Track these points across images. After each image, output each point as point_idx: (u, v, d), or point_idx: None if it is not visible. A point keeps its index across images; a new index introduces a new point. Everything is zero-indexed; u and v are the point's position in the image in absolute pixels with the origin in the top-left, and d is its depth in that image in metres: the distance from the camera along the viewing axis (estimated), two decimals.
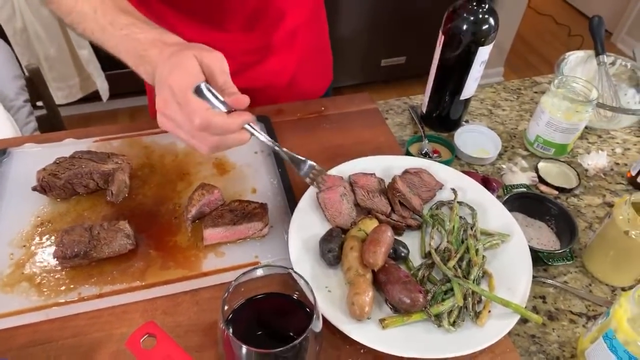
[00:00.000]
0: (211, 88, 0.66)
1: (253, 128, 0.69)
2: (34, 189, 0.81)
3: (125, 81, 2.73)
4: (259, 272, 0.62)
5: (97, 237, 0.74)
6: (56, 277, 0.73)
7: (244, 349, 0.56)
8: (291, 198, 0.86)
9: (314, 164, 0.78)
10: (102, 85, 2.66)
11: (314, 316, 0.58)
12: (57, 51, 2.50)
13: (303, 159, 0.77)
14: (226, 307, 0.63)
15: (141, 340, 0.61)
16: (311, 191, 0.85)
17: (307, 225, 0.80)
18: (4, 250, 0.76)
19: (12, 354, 0.66)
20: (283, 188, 0.88)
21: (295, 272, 0.63)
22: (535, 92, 1.29)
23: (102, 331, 0.70)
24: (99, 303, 0.71)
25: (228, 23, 1.01)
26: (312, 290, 0.61)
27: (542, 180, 1.03)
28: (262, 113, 1.04)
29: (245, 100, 0.67)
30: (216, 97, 0.66)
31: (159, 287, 0.73)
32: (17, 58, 1.67)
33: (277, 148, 0.74)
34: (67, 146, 0.92)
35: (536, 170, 1.05)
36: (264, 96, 1.15)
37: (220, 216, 0.78)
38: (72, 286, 0.72)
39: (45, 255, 0.75)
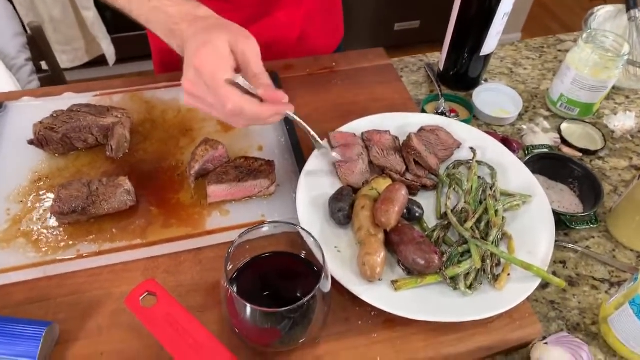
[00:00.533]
0: (244, 80, 0.62)
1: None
2: (30, 142, 0.77)
3: (133, 45, 2.68)
4: (265, 229, 0.58)
5: (96, 192, 0.70)
6: (54, 233, 0.70)
7: (249, 308, 0.53)
8: (299, 156, 0.82)
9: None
10: (108, 49, 2.60)
11: (322, 275, 0.55)
12: (62, 12, 2.43)
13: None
14: (230, 266, 0.60)
15: (141, 298, 0.58)
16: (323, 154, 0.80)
17: (316, 183, 0.76)
18: (0, 205, 0.73)
19: (9, 311, 0.64)
20: (291, 146, 0.84)
21: (304, 230, 0.59)
22: (559, 51, 1.22)
23: (102, 289, 0.67)
24: (98, 260, 0.68)
25: None
26: (320, 248, 0.57)
27: (565, 141, 0.97)
28: (270, 68, 0.98)
29: (280, 96, 0.62)
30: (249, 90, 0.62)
31: (160, 246, 0.70)
32: (19, 16, 1.61)
33: (313, 134, 0.73)
34: (66, 100, 0.88)
35: (559, 131, 0.99)
36: (273, 52, 1.10)
37: (225, 173, 0.74)
38: (70, 243, 0.69)
39: (43, 211, 0.72)
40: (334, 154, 0.77)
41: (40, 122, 0.78)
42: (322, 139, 0.81)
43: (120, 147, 0.79)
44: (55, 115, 0.79)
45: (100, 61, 2.69)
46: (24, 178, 0.76)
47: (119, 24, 2.59)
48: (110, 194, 0.71)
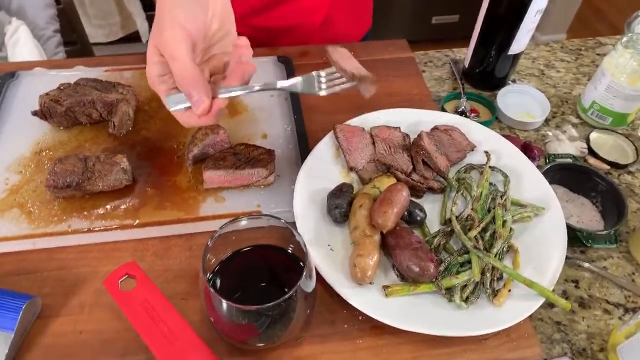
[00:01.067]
0: (180, 98, 0.57)
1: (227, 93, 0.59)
2: (34, 113, 0.77)
3: None
4: (244, 223, 0.56)
5: (92, 169, 0.70)
6: (48, 207, 0.70)
7: (225, 303, 0.51)
8: (304, 147, 0.79)
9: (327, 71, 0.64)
10: (142, 26, 2.62)
11: (304, 275, 0.52)
12: None
13: (300, 78, 0.63)
14: (213, 260, 0.58)
15: (120, 281, 0.57)
16: (326, 141, 0.77)
17: (317, 177, 0.73)
18: (0, 174, 0.73)
19: None
20: (297, 136, 0.81)
21: (288, 225, 0.57)
22: (599, 55, 1.14)
23: (89, 267, 0.66)
24: (88, 238, 0.67)
25: None
26: (305, 246, 0.54)
27: (592, 152, 0.91)
28: (285, 54, 0.95)
29: (203, 105, 0.56)
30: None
31: (152, 228, 0.69)
32: None
33: (263, 89, 0.61)
34: (77, 73, 0.87)
35: (587, 140, 0.92)
36: (293, 38, 1.07)
37: (223, 159, 0.72)
38: (64, 218, 0.69)
39: (40, 184, 0.72)
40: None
41: (47, 94, 0.77)
42: (328, 132, 0.78)
43: (123, 125, 0.78)
44: (61, 88, 0.78)
45: (134, 37, 2.71)
46: (26, 149, 0.76)
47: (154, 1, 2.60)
48: (107, 171, 0.70)
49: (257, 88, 0.60)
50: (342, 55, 0.67)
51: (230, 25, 0.63)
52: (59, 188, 0.68)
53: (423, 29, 2.98)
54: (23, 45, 1.37)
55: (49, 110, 0.76)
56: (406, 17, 2.88)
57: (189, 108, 0.57)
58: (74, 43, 1.65)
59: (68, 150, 0.76)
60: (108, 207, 0.70)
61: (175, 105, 0.58)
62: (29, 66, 0.90)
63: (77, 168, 0.68)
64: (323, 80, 0.64)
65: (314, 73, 0.64)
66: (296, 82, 0.63)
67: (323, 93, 0.64)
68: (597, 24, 3.47)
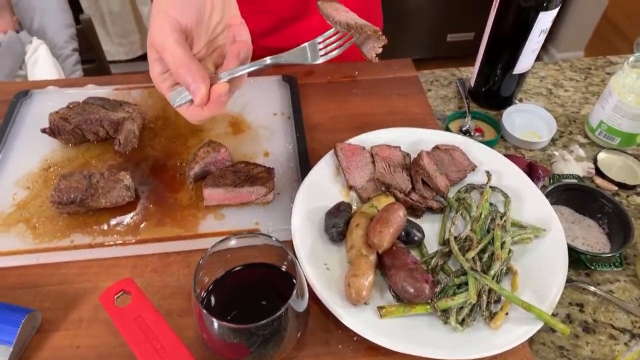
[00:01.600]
0: (182, 93, 0.57)
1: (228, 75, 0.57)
2: (43, 131, 0.79)
3: None
4: (233, 242, 0.56)
5: (96, 185, 0.71)
6: (53, 222, 0.71)
7: (215, 322, 0.51)
8: (305, 165, 0.80)
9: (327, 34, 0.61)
10: None
11: (294, 293, 0.52)
12: (120, 7, 2.54)
13: (297, 49, 0.62)
14: (207, 279, 0.59)
15: (115, 297, 0.58)
16: (326, 159, 0.78)
17: (316, 195, 0.74)
18: (9, 189, 0.75)
19: None
20: (298, 154, 0.82)
21: (278, 241, 0.57)
22: (608, 74, 1.12)
23: (89, 282, 0.67)
24: (89, 253, 0.69)
25: None
26: (295, 263, 0.54)
27: (600, 172, 0.89)
28: (290, 73, 0.97)
29: (201, 92, 0.54)
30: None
31: (151, 244, 0.70)
32: (79, 8, 1.69)
33: (258, 66, 0.59)
34: (88, 92, 0.90)
35: (595, 161, 0.91)
36: None
37: (223, 176, 0.73)
38: (67, 233, 0.70)
39: (46, 199, 0.74)
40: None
41: (56, 112, 0.80)
42: (329, 151, 0.78)
43: (128, 142, 0.80)
44: (70, 106, 0.81)
45: None
46: (34, 165, 0.79)
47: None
48: (110, 188, 0.71)
49: (249, 67, 0.57)
50: (336, 9, 0.64)
51: (233, 15, 0.62)
52: (63, 204, 0.69)
53: (438, 46, 2.99)
54: (42, 64, 1.42)
55: (57, 127, 0.78)
56: (421, 34, 2.89)
57: (192, 102, 0.56)
58: (92, 61, 1.70)
59: (75, 167, 0.78)
60: (110, 223, 0.72)
61: (178, 100, 0.56)
62: (42, 85, 0.93)
63: (81, 184, 0.70)
64: (319, 46, 0.61)
65: (306, 43, 0.61)
66: (288, 54, 0.60)
67: (320, 60, 0.61)
68: (615, 40, 3.43)
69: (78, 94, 0.88)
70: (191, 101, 0.56)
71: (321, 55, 0.61)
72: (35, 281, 0.67)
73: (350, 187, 0.74)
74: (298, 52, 0.61)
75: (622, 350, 0.67)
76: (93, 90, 0.90)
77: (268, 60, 0.60)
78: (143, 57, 2.80)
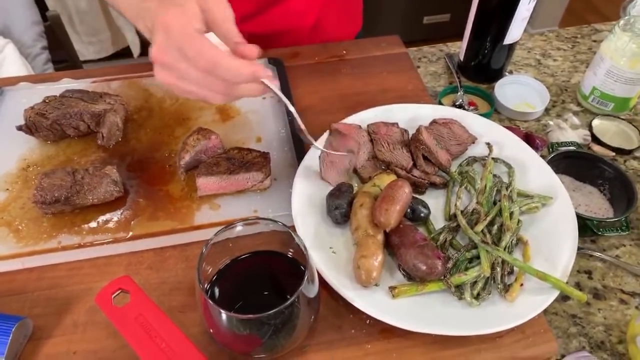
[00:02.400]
0: (215, 37, 0.56)
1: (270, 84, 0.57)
2: (19, 128, 0.74)
3: None
4: (239, 229, 0.53)
5: (81, 182, 0.67)
6: (37, 224, 0.67)
7: (223, 314, 0.48)
8: (300, 150, 0.77)
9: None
10: (132, 40, 2.61)
11: (305, 279, 0.49)
12: (88, 4, 2.45)
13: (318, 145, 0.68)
14: (210, 269, 0.56)
15: (113, 296, 0.54)
16: (322, 141, 0.75)
17: (314, 179, 0.71)
18: None
19: None
20: (291, 138, 0.78)
21: (286, 227, 0.54)
22: (594, 41, 1.12)
23: (81, 284, 0.63)
24: (79, 254, 0.65)
25: None
26: (305, 249, 0.51)
27: (596, 139, 0.88)
28: (276, 55, 0.93)
29: (253, 50, 0.56)
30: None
31: (145, 240, 0.66)
32: (42, 5, 1.61)
33: (293, 112, 0.62)
34: (63, 86, 0.85)
35: (590, 128, 0.90)
36: (284, 43, 1.05)
37: (216, 164, 0.69)
38: (53, 234, 0.66)
39: (27, 200, 0.69)
40: (316, 143, 0.67)
41: (31, 108, 0.75)
42: (323, 132, 0.76)
43: (112, 135, 0.76)
44: (47, 100, 0.76)
45: (125, 53, 2.70)
46: (12, 165, 0.74)
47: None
48: (96, 183, 0.67)
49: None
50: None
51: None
52: (46, 203, 0.65)
53: (415, 29, 2.97)
54: (10, 63, 1.35)
55: (34, 124, 0.73)
56: (397, 17, 2.87)
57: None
58: (63, 61, 1.63)
59: (56, 165, 0.74)
60: (99, 220, 0.68)
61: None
62: (13, 81, 0.87)
63: (64, 182, 0.66)
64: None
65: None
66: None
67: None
68: (588, 16, 3.47)
69: (53, 89, 0.82)
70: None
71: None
72: (22, 287, 0.63)
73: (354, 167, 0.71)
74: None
75: (634, 314, 0.67)
76: (69, 85, 0.85)
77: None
78: (114, 56, 2.71)
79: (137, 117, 0.81)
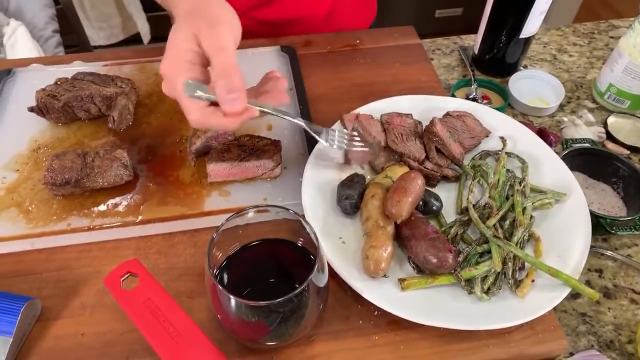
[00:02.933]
0: (201, 88, 0.54)
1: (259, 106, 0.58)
2: (31, 109, 0.74)
3: (167, 23, 2.68)
4: (251, 215, 0.53)
5: (91, 164, 0.67)
6: (47, 205, 0.67)
7: (232, 300, 0.48)
8: (311, 138, 0.75)
9: (338, 128, 0.69)
10: (143, 27, 2.60)
11: (315, 268, 0.49)
12: None
13: (323, 128, 0.67)
14: (220, 254, 0.55)
15: (121, 279, 0.54)
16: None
17: (325, 168, 0.70)
18: None
19: None
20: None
21: (298, 215, 0.53)
22: (612, 37, 1.10)
23: (90, 267, 0.63)
24: (88, 236, 0.65)
25: None
26: (316, 238, 0.51)
27: (610, 136, 0.87)
28: (288, 43, 0.92)
29: (241, 105, 0.53)
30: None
31: (154, 224, 0.66)
32: None
33: (292, 119, 0.63)
34: (75, 69, 0.85)
35: (605, 125, 0.89)
36: (298, 30, 1.04)
37: (227, 150, 0.69)
38: (63, 216, 0.66)
39: (37, 182, 0.69)
40: (334, 152, 0.69)
41: (43, 89, 0.74)
42: (334, 122, 0.75)
43: (122, 119, 0.75)
44: (58, 82, 0.76)
45: (135, 39, 2.69)
46: (23, 146, 0.74)
47: (154, 1, 2.59)
48: (106, 166, 0.67)
49: (274, 111, 0.60)
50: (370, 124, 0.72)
51: None
52: (56, 185, 0.65)
53: (427, 23, 2.94)
54: (21, 46, 1.35)
55: (45, 105, 0.73)
56: (409, 10, 2.84)
57: (211, 104, 0.54)
58: (74, 45, 1.62)
59: (66, 147, 0.74)
60: (108, 203, 0.68)
61: (194, 92, 0.53)
62: (25, 63, 0.87)
63: (75, 164, 0.66)
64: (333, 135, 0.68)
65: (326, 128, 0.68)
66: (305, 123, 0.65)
67: (333, 146, 0.67)
68: (603, 13, 3.42)
69: (65, 72, 0.82)
70: (212, 103, 0.54)
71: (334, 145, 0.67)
72: (31, 268, 0.63)
73: None
74: (314, 127, 0.67)
75: None
76: (81, 68, 0.85)
77: (297, 119, 0.64)
78: (125, 42, 2.71)
79: (148, 102, 0.81)
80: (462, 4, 2.89)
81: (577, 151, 0.80)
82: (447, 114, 0.76)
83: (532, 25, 0.91)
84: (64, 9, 1.51)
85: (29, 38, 1.37)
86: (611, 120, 0.90)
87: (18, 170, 0.71)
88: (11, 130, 0.76)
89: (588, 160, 0.80)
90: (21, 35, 1.36)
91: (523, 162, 0.71)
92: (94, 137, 0.76)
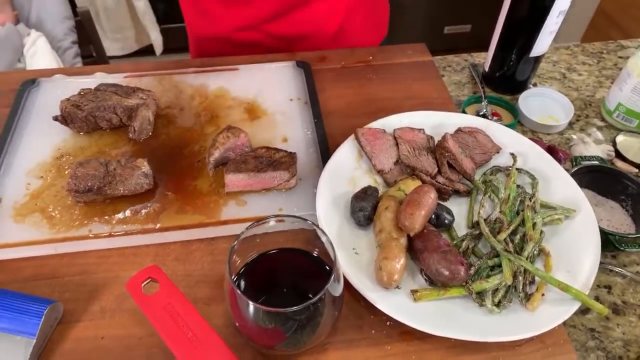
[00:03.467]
0: None
1: None
2: (55, 118, 0.77)
3: (180, 35, 2.73)
4: (271, 224, 0.55)
5: (113, 173, 0.69)
6: (69, 211, 0.69)
7: (252, 306, 0.49)
8: (325, 151, 0.78)
9: None
10: (156, 39, 2.65)
11: (332, 277, 0.50)
12: (115, 1, 2.50)
13: None
14: (238, 261, 0.57)
15: (142, 285, 0.55)
16: (348, 143, 0.76)
17: (339, 180, 0.72)
18: (21, 179, 0.73)
19: (16, 285, 0.63)
20: (317, 139, 0.80)
21: (316, 225, 0.55)
22: (620, 57, 1.12)
23: (110, 272, 0.65)
24: (108, 242, 0.66)
25: None
26: (333, 248, 0.52)
27: (619, 155, 0.88)
28: (303, 59, 0.95)
29: None
30: None
31: (172, 232, 0.68)
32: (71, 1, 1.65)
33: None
34: (97, 80, 0.87)
35: (613, 143, 0.90)
36: (308, 45, 1.06)
37: (244, 162, 0.71)
38: (84, 222, 0.68)
39: (60, 188, 0.71)
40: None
41: (67, 99, 0.77)
42: (347, 136, 0.77)
43: (142, 129, 0.78)
44: (82, 93, 0.78)
45: (148, 50, 2.74)
46: (47, 154, 0.76)
47: (168, 14, 2.64)
48: (128, 175, 0.69)
49: None
50: None
51: None
52: (79, 192, 0.67)
53: (436, 39, 2.98)
54: (41, 56, 1.39)
55: (69, 115, 0.76)
56: (418, 27, 2.88)
57: None
58: (90, 56, 1.66)
59: (88, 155, 0.76)
60: (128, 211, 0.70)
61: None
62: (48, 73, 0.90)
63: (98, 172, 0.68)
64: None
65: None
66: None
67: None
68: (611, 32, 3.44)
69: (87, 82, 0.85)
70: None
71: None
72: (54, 272, 0.65)
73: (379, 171, 0.73)
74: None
75: None
76: (103, 79, 0.87)
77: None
78: (138, 53, 2.76)
79: (167, 113, 0.83)
80: (470, 21, 2.93)
81: (587, 169, 0.81)
82: (459, 130, 0.78)
83: (542, 44, 0.93)
84: (82, 21, 1.55)
85: (49, 48, 1.41)
86: (620, 138, 0.91)
87: (42, 177, 0.73)
88: (35, 138, 0.78)
89: (597, 178, 0.81)
90: (41, 46, 1.40)
91: (533, 178, 0.73)
92: (114, 146, 0.78)
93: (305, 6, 1.01)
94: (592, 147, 0.89)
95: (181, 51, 2.85)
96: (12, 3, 1.44)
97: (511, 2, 0.90)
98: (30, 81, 0.87)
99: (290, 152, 0.73)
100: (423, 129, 0.78)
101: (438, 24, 2.92)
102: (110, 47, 2.68)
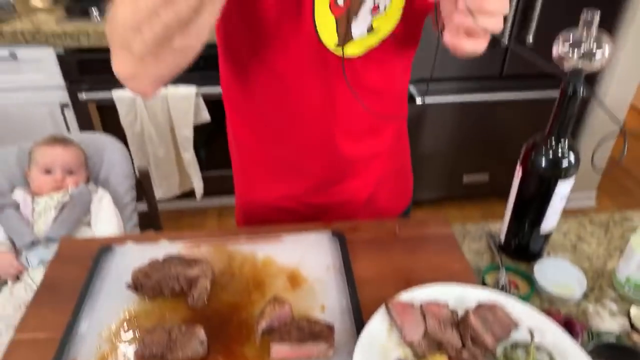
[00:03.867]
0: None
1: None
2: (129, 286, 0.89)
3: (218, 182, 3.01)
4: None
5: (174, 340, 0.79)
6: None
7: None
8: (358, 319, 0.87)
9: None
10: (198, 185, 2.92)
11: None
12: (165, 153, 2.82)
13: None
14: None
15: None
16: (379, 315, 0.85)
17: (374, 350, 0.80)
18: (94, 341, 0.83)
19: None
20: (351, 308, 0.89)
21: None
22: (626, 230, 1.22)
23: None
24: None
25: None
26: None
27: (635, 328, 0.94)
28: (338, 230, 1.09)
29: None
30: None
31: None
32: (131, 158, 1.90)
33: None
34: (161, 248, 1.02)
35: (628, 316, 0.96)
36: (341, 211, 1.21)
37: (288, 332, 0.80)
38: None
39: (124, 351, 0.81)
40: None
41: (139, 269, 0.90)
42: (377, 304, 0.86)
43: (200, 298, 0.89)
44: (151, 263, 0.92)
45: (189, 194, 3.01)
46: (117, 317, 0.87)
47: (209, 163, 2.96)
48: (186, 341, 0.79)
49: None
50: None
51: None
52: (145, 357, 0.76)
53: (455, 187, 3.17)
54: (105, 212, 1.58)
55: (140, 283, 0.88)
56: (438, 175, 3.09)
57: None
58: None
59: (152, 320, 0.87)
60: None
61: None
62: (120, 240, 1.05)
63: (162, 339, 0.78)
64: None
65: None
66: None
67: None
68: (626, 182, 3.61)
69: (154, 249, 0.99)
70: None
71: None
72: None
73: (408, 343, 0.80)
74: None
75: None
76: (166, 247, 1.02)
77: None
78: (178, 197, 3.01)
79: (221, 280, 0.95)
80: (487, 169, 3.13)
81: (604, 346, 0.87)
82: (479, 306, 0.87)
83: (549, 222, 1.05)
84: (140, 180, 1.78)
85: (112, 205, 1.61)
86: (634, 311, 0.97)
87: (112, 340, 0.83)
88: (109, 302, 0.90)
89: (614, 355, 0.86)
90: (106, 203, 1.60)
91: (551, 358, 0.79)
92: (173, 311, 0.89)
93: (340, 183, 1.18)
94: (607, 319, 0.95)
95: (217, 195, 3.11)
96: (87, 165, 1.69)
97: (519, 184, 1.04)
98: (107, 247, 1.02)
99: (329, 325, 0.82)
100: (447, 304, 0.87)
101: (457, 172, 3.13)
102: (156, 192, 2.95)
